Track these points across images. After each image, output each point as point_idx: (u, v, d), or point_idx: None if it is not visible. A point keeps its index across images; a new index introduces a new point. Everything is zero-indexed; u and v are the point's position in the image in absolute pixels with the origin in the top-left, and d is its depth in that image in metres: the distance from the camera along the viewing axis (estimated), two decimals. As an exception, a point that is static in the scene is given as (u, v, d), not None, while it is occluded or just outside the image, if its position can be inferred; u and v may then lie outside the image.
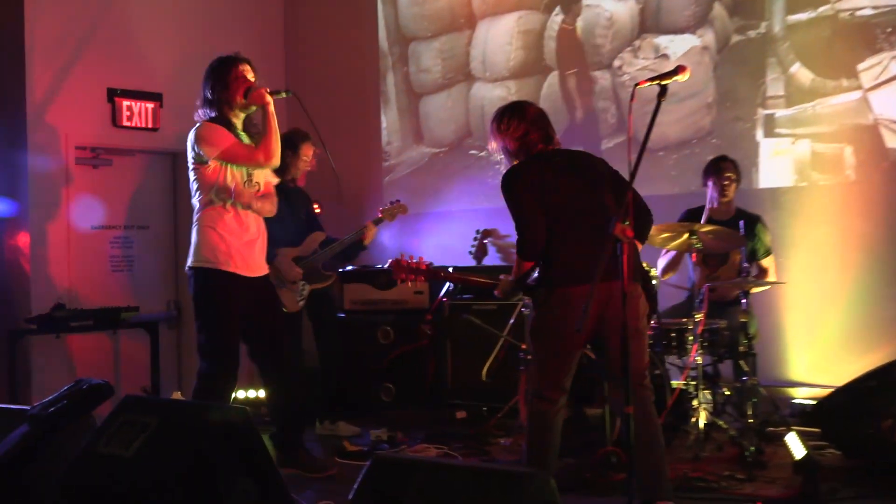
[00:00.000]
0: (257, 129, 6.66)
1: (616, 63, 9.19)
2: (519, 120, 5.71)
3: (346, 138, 10.46)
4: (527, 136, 5.68)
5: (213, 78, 6.58)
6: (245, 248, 6.56)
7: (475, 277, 6.61)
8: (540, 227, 5.46)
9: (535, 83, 9.60)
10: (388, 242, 9.97)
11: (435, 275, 6.31)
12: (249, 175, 6.60)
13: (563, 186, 5.51)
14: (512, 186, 5.58)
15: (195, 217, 6.55)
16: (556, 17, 9.52)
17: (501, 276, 5.93)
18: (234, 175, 6.52)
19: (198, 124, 6.53)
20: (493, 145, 5.85)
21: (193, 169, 6.53)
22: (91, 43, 9.46)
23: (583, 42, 9.41)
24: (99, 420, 5.57)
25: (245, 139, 6.60)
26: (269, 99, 6.50)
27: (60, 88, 9.20)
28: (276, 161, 6.61)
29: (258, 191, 6.66)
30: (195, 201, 6.56)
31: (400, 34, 10.66)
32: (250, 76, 6.60)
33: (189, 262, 6.57)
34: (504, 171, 5.69)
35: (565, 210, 5.48)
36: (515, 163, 5.71)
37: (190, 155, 6.52)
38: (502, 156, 5.84)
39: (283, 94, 6.67)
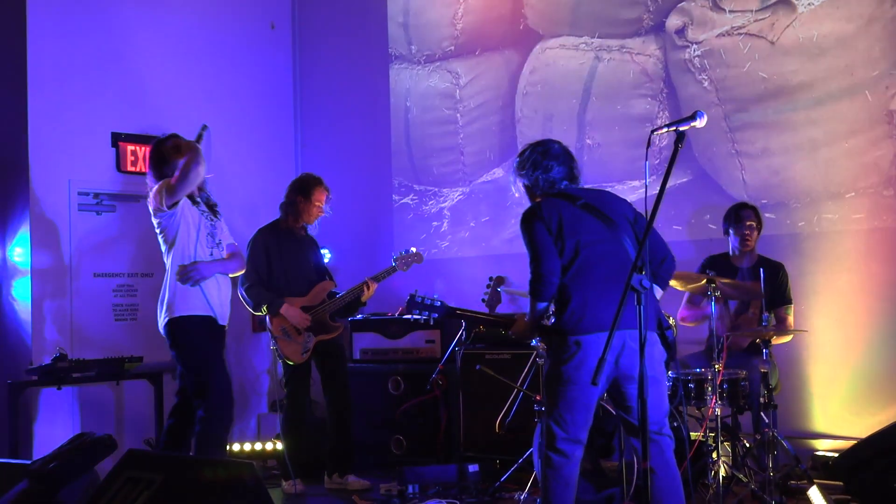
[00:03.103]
0: None
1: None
2: (541, 156, 5.66)
3: (357, 180, 10.41)
4: (549, 173, 5.62)
5: None
6: None
7: (489, 316, 6.55)
8: (554, 266, 5.39)
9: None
10: (400, 290, 9.84)
11: (449, 312, 6.21)
12: None
13: (584, 228, 5.42)
14: (530, 223, 5.50)
15: None
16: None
17: (517, 315, 5.85)
18: None
19: None
20: (517, 185, 5.81)
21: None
22: (95, 86, 9.45)
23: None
24: (101, 475, 5.48)
25: None
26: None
27: (63, 132, 9.16)
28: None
29: None
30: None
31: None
32: None
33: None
34: (525, 210, 5.60)
35: (583, 253, 5.39)
36: (537, 200, 5.64)
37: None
38: (524, 195, 5.80)
39: (203, 131, 7.27)
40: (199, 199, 7.25)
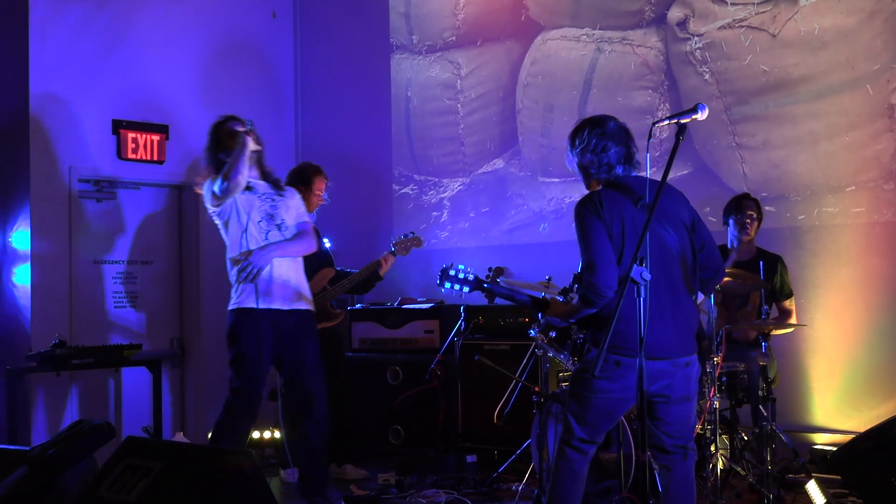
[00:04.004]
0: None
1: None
2: (599, 137, 5.23)
3: (357, 170, 10.40)
4: (606, 153, 5.21)
5: None
6: None
7: (520, 294, 6.21)
8: (611, 279, 4.97)
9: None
10: (399, 279, 9.81)
11: (480, 286, 5.90)
12: None
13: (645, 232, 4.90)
14: (587, 219, 5.06)
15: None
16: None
17: (547, 296, 5.58)
18: None
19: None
20: (571, 162, 5.36)
21: None
22: (96, 73, 9.42)
23: None
24: (100, 462, 5.47)
25: None
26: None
27: (64, 119, 9.14)
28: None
29: None
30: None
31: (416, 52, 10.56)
32: None
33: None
34: (581, 197, 5.19)
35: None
36: (594, 187, 5.27)
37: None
38: (577, 173, 5.35)
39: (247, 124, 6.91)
40: (252, 185, 6.93)
